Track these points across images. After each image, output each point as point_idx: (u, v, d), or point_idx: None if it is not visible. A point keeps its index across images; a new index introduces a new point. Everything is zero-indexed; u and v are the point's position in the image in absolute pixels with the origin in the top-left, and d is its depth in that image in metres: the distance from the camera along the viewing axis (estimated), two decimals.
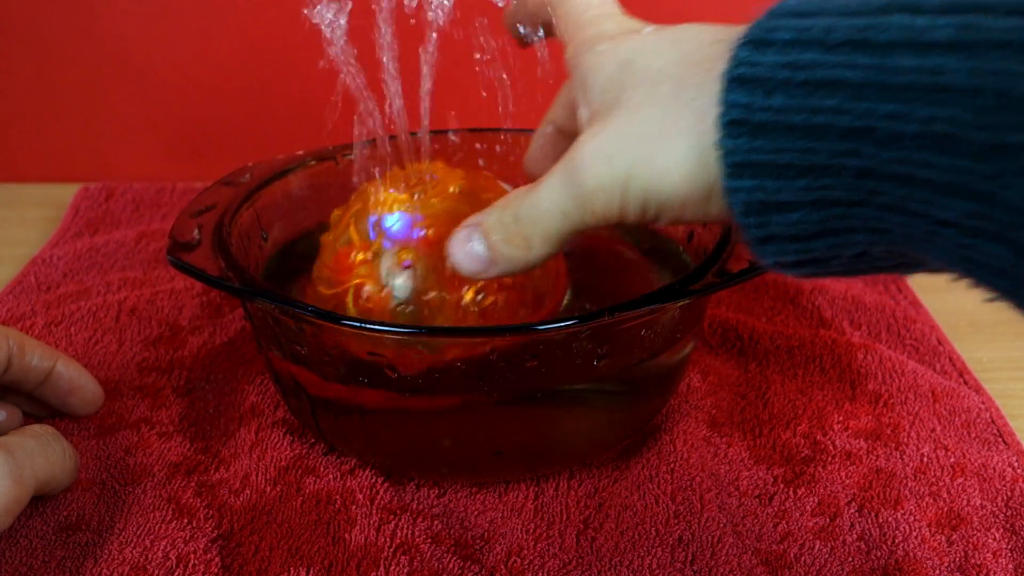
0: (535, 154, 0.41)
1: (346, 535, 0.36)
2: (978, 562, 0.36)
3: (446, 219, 0.37)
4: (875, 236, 0.24)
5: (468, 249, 0.31)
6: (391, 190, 0.39)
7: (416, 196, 0.38)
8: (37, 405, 0.42)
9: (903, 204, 0.22)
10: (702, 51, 0.27)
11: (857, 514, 0.38)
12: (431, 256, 0.36)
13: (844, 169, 0.23)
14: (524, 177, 0.50)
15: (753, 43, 0.24)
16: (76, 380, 0.41)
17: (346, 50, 0.35)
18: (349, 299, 0.37)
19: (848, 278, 0.25)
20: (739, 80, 0.24)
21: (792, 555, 0.36)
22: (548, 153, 0.40)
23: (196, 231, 0.39)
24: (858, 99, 0.22)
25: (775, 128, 0.23)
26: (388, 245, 0.37)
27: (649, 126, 0.26)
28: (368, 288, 0.37)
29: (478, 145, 0.50)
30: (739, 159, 0.24)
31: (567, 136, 0.38)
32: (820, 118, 0.23)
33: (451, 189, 0.38)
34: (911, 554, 0.36)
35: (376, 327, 0.34)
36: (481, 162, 0.50)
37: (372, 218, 0.38)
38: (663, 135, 0.26)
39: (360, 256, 0.38)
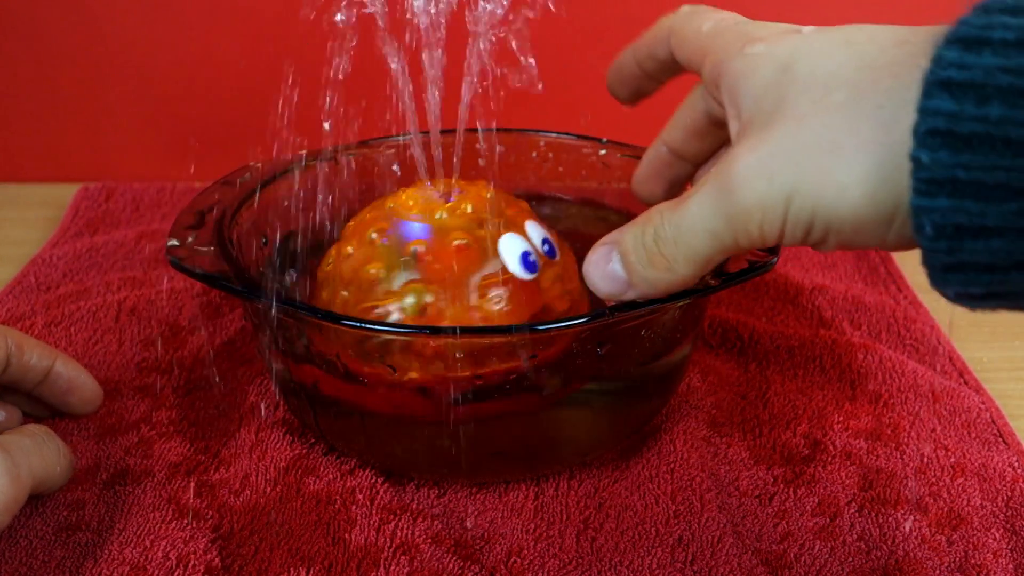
0: (644, 176, 0.38)
1: (346, 535, 0.36)
2: (978, 562, 0.36)
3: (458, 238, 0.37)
4: None
5: (606, 270, 0.29)
6: (414, 199, 0.39)
7: (440, 215, 0.38)
8: (37, 405, 0.42)
9: None
10: (885, 54, 0.24)
11: (857, 514, 0.38)
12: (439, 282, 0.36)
13: None
14: (524, 180, 0.51)
15: (963, 42, 0.21)
16: (75, 379, 0.41)
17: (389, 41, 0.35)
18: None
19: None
20: (945, 84, 0.21)
21: (792, 555, 0.36)
22: (660, 175, 0.37)
23: (195, 232, 0.39)
24: None
25: (988, 142, 0.20)
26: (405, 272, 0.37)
27: (821, 137, 0.24)
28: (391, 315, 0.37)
29: (478, 145, 0.50)
30: (936, 175, 0.21)
31: (682, 159, 0.37)
32: None
33: (464, 206, 0.38)
34: (911, 554, 0.36)
35: (376, 327, 0.34)
36: (481, 162, 0.50)
37: (401, 226, 0.38)
38: (839, 147, 0.23)
39: (374, 269, 0.37)
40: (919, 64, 0.22)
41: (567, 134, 0.49)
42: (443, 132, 0.39)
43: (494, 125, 0.39)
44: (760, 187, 0.24)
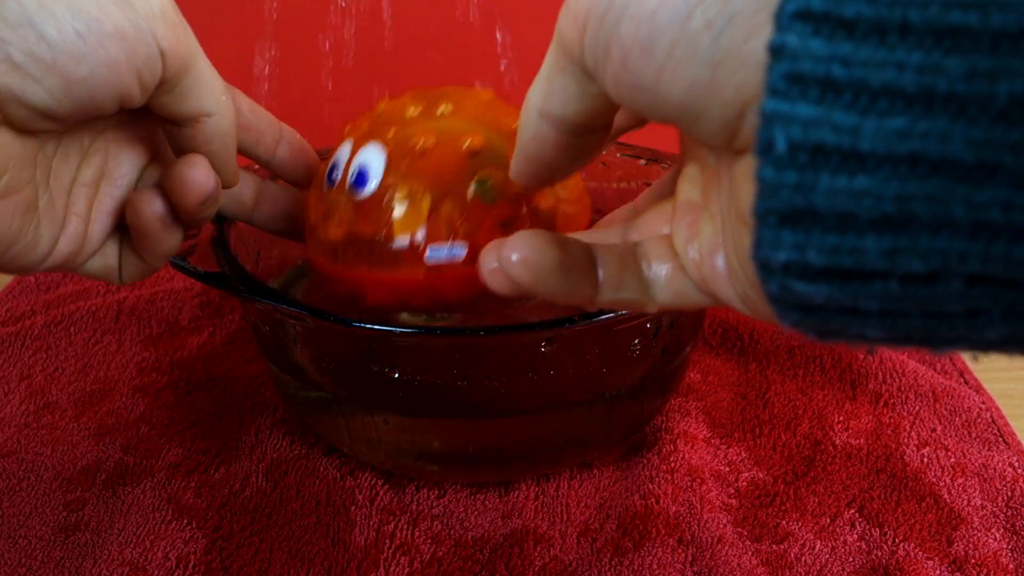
0: None
1: (346, 536, 0.36)
2: (978, 562, 0.36)
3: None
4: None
5: None
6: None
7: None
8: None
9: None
10: None
11: (857, 514, 0.38)
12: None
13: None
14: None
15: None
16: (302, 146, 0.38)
17: None
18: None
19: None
20: None
21: (792, 555, 0.36)
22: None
23: (195, 232, 0.39)
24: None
25: (879, 28, 0.15)
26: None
27: None
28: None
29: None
30: (803, 69, 0.16)
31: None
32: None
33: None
34: (911, 554, 0.36)
35: (376, 327, 0.34)
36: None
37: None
38: None
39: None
40: None
41: None
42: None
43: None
44: (584, 1, 0.20)
